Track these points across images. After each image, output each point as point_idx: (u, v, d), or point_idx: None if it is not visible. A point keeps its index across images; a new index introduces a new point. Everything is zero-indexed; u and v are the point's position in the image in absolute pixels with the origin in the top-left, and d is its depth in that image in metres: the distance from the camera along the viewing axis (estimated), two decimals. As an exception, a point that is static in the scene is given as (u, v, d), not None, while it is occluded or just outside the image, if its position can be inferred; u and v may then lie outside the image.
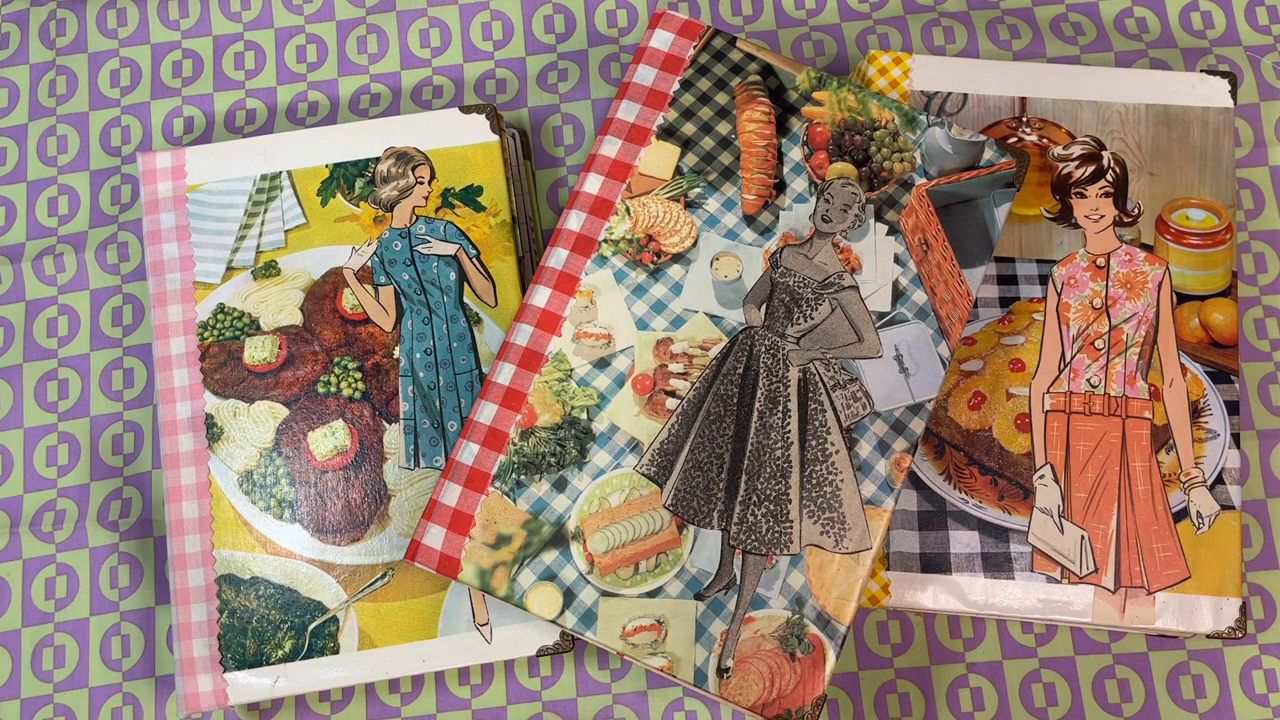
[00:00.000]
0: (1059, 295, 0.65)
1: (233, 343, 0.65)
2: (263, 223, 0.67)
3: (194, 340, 0.65)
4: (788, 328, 0.61)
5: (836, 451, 0.60)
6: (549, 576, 0.59)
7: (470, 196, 0.67)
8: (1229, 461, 0.63)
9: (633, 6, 0.76)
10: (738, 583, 0.59)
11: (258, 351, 0.65)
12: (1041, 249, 0.66)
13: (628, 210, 0.64)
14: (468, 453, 0.60)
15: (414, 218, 0.67)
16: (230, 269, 0.66)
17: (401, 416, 0.64)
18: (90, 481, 0.70)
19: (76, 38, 0.77)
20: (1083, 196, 0.66)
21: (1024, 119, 0.67)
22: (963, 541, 0.62)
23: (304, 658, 0.62)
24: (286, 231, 0.67)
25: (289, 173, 0.67)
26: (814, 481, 0.59)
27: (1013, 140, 0.67)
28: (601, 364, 0.62)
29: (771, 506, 0.59)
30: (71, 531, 0.69)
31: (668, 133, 0.65)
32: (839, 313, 0.62)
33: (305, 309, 0.66)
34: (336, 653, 0.62)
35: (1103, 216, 0.66)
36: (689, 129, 0.65)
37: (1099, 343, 0.64)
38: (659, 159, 0.64)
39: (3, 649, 0.68)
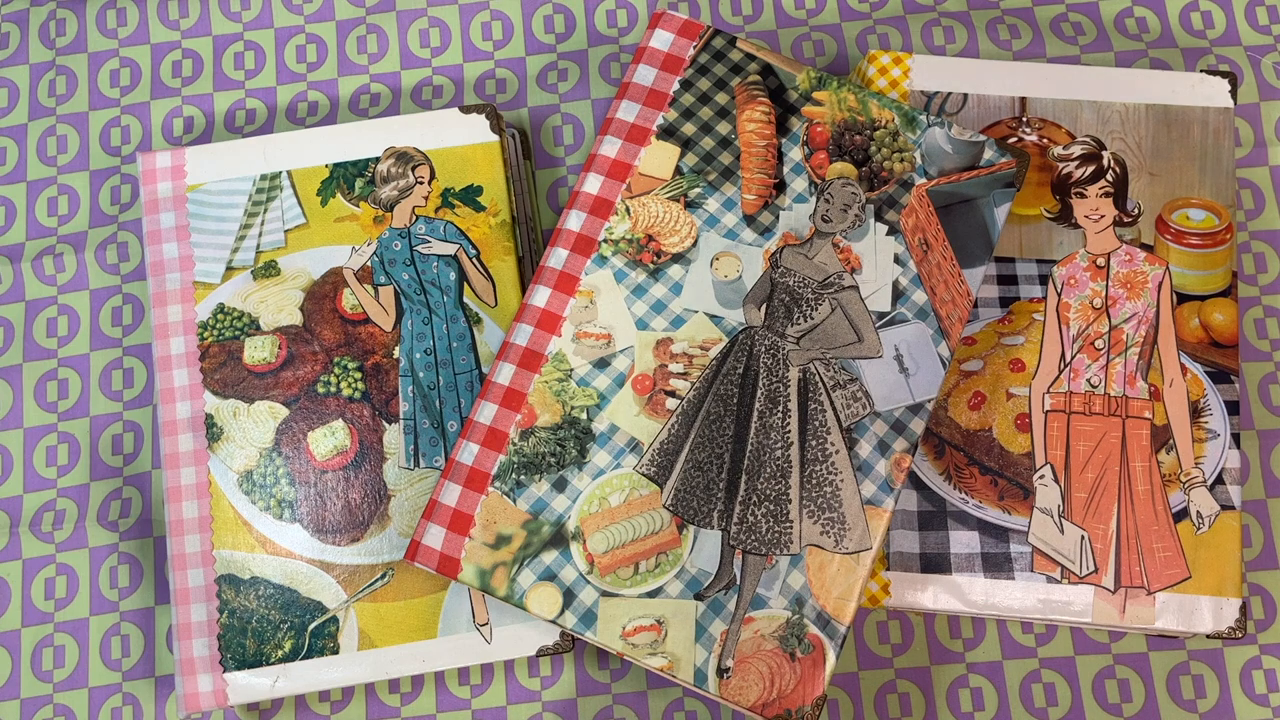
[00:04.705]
0: (1059, 295, 0.65)
1: (233, 343, 0.65)
2: (262, 223, 0.67)
3: (194, 340, 0.65)
4: (788, 328, 0.61)
5: (836, 451, 0.60)
6: (549, 576, 0.59)
7: (470, 196, 0.67)
8: (1229, 461, 0.63)
9: (633, 6, 0.76)
10: (738, 583, 0.59)
11: (258, 351, 0.65)
12: (1041, 249, 0.66)
13: (628, 210, 0.64)
14: (468, 453, 0.60)
15: (414, 218, 0.67)
16: (230, 269, 0.66)
17: (401, 416, 0.64)
18: (90, 481, 0.70)
19: (76, 38, 0.77)
20: (1083, 196, 0.66)
21: (1024, 119, 0.67)
22: (963, 541, 0.62)
23: (304, 658, 0.62)
24: (286, 231, 0.67)
25: (289, 173, 0.67)
26: (814, 481, 0.59)
27: (1013, 140, 0.67)
28: (601, 364, 0.62)
29: (771, 506, 0.59)
30: (71, 531, 0.69)
31: (668, 133, 0.65)
32: (839, 313, 0.62)
33: (305, 309, 0.66)
34: (336, 653, 0.62)
35: (1103, 216, 0.66)
36: (689, 129, 0.65)
37: (1099, 343, 0.64)
38: (659, 159, 0.64)
39: (3, 649, 0.68)
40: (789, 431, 0.60)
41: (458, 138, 0.68)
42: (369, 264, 0.66)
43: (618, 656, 0.63)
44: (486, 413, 0.61)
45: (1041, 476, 0.63)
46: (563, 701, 0.66)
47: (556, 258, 0.63)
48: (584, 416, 0.61)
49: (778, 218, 0.64)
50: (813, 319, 0.62)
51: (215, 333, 0.65)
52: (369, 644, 0.62)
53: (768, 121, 0.64)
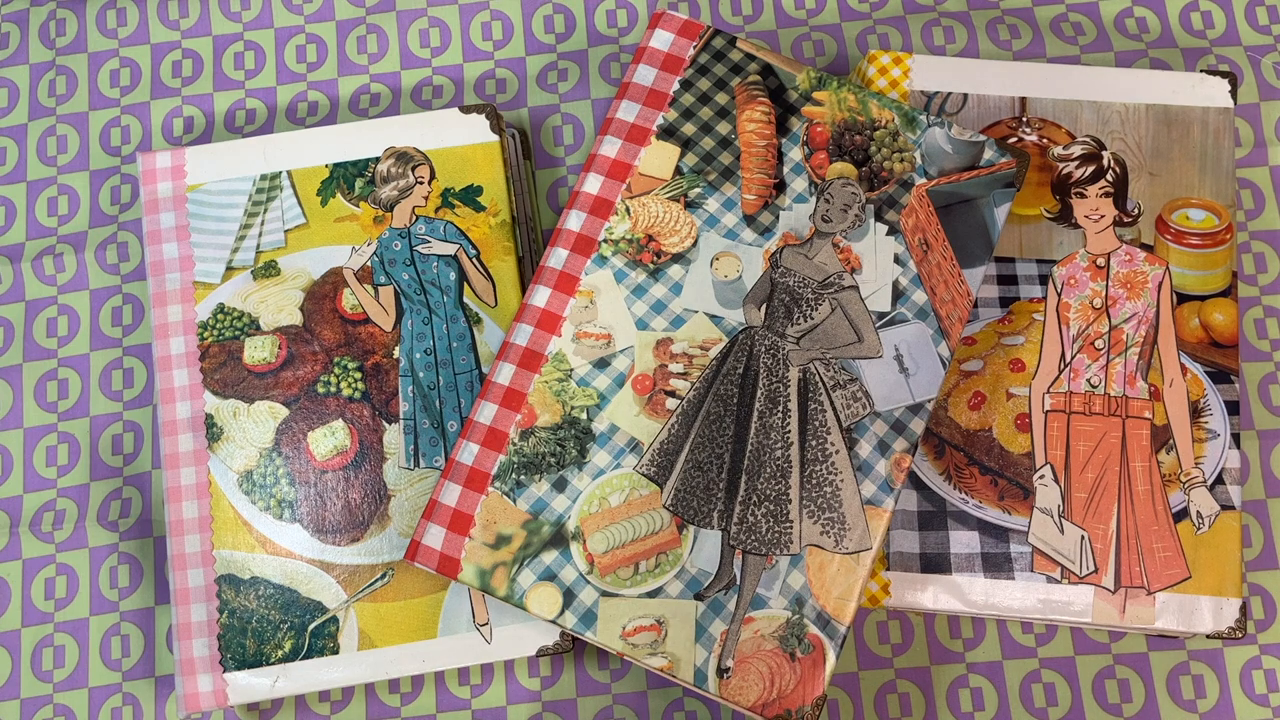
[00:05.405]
0: (1059, 295, 0.65)
1: (232, 343, 0.65)
2: (262, 223, 0.67)
3: (194, 340, 0.65)
4: (788, 328, 0.61)
5: (836, 451, 0.60)
6: (549, 576, 0.59)
7: (470, 196, 0.67)
8: (1229, 461, 0.63)
9: (633, 6, 0.76)
10: (738, 583, 0.59)
11: (258, 351, 0.65)
12: (1041, 249, 0.66)
13: (628, 210, 0.64)
14: (467, 453, 0.60)
15: (414, 218, 0.67)
16: (230, 269, 0.66)
17: (401, 416, 0.64)
18: (90, 481, 0.70)
19: (76, 38, 0.77)
20: (1083, 196, 0.66)
21: (1024, 119, 0.67)
22: (963, 541, 0.62)
23: (304, 658, 0.62)
24: (286, 231, 0.67)
25: (289, 173, 0.67)
26: (814, 481, 0.59)
27: (1013, 140, 0.67)
28: (601, 364, 0.62)
29: (771, 506, 0.59)
30: (71, 531, 0.69)
31: (668, 133, 0.65)
32: (839, 313, 0.62)
33: (305, 309, 0.66)
34: (336, 653, 0.62)
35: (1103, 216, 0.66)
36: (689, 129, 0.65)
37: (1099, 343, 0.64)
38: (659, 159, 0.64)
39: (3, 649, 0.68)
40: (789, 431, 0.60)
41: (458, 138, 0.68)
42: (369, 264, 0.66)
43: (618, 656, 0.63)
44: (486, 413, 0.61)
45: (1041, 476, 0.63)
46: (563, 701, 0.66)
47: (556, 258, 0.63)
48: (584, 416, 0.61)
49: (778, 218, 0.64)
50: (813, 319, 0.62)
51: (215, 333, 0.65)
52: (369, 644, 0.62)
53: (768, 121, 0.64)
